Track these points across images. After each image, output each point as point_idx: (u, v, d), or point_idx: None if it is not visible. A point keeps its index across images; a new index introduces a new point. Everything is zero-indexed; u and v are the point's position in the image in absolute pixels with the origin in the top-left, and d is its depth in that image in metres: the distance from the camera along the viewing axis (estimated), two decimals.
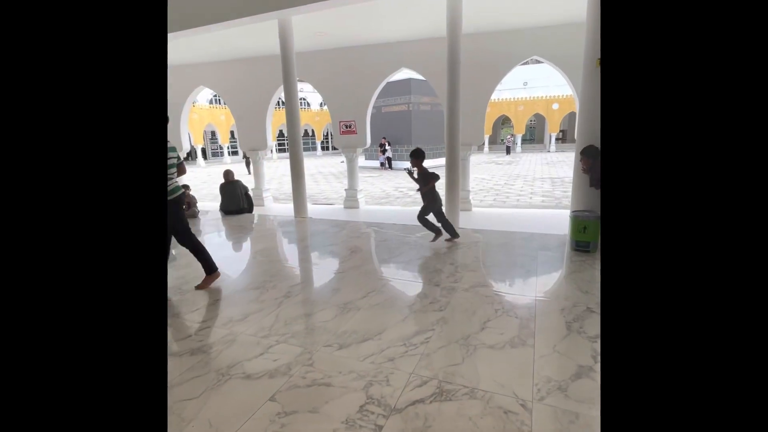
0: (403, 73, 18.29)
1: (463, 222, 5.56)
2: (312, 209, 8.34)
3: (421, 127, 18.64)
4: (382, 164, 19.04)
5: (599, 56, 3.66)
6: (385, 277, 3.25)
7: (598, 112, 3.72)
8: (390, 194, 11.23)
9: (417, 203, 10.24)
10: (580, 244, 3.74)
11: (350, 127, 7.98)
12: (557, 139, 29.68)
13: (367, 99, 7.77)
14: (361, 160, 20.72)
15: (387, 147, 18.75)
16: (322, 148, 36.39)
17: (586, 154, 3.74)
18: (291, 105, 5.94)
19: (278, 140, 31.60)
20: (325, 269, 3.56)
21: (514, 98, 28.24)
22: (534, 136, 35.46)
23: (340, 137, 8.11)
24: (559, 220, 6.25)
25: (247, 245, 4.71)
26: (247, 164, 21.04)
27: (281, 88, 6.51)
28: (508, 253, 3.85)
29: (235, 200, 6.24)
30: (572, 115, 28.55)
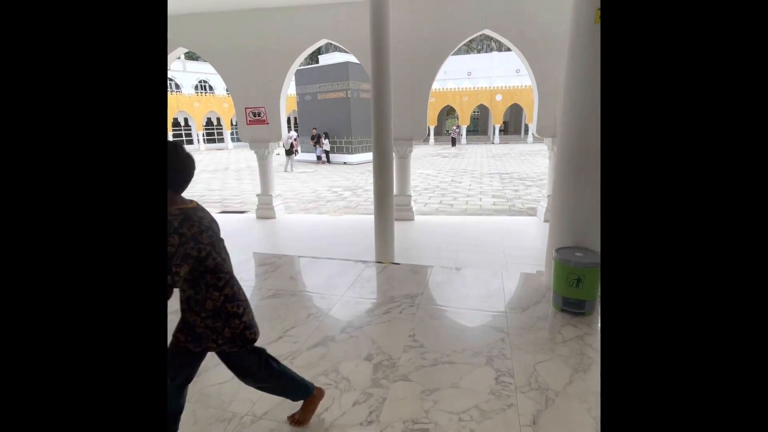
0: (341, 57, 16.56)
1: (400, 241, 4.11)
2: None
3: (362, 117, 16.99)
4: (318, 158, 17.19)
5: (598, 6, 2.32)
6: (237, 411, 1.68)
7: (592, 92, 2.39)
8: (321, 196, 9.56)
9: (350, 209, 8.70)
10: (569, 303, 2.44)
11: (259, 115, 6.19)
12: (500, 131, 29.62)
13: (279, 79, 6.01)
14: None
15: (324, 139, 16.89)
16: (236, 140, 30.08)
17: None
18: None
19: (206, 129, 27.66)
20: None
21: (458, 88, 27.52)
22: (478, 128, 35.31)
23: (246, 128, 6.28)
24: (521, 236, 5.04)
25: None
26: None
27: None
28: (461, 325, 2.44)
29: None
30: (514, 106, 28.60)
